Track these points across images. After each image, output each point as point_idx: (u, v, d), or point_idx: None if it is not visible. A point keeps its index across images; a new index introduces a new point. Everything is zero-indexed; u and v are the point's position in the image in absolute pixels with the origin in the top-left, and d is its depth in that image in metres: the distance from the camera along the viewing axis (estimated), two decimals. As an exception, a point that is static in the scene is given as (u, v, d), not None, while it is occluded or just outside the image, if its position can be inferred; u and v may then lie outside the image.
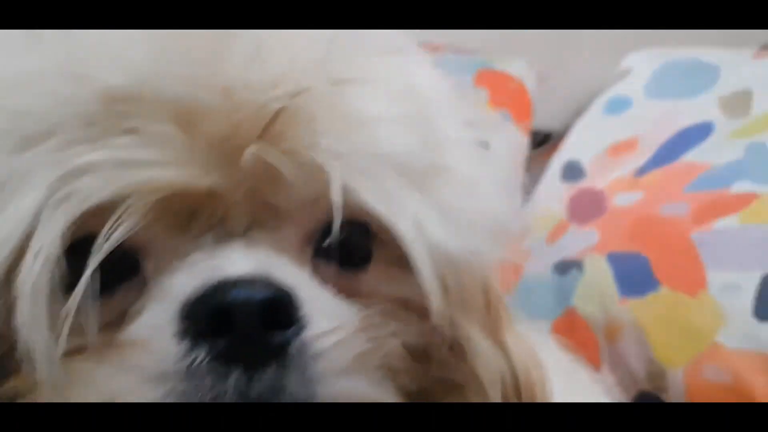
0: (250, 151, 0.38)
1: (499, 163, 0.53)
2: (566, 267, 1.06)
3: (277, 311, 0.37)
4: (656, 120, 1.15)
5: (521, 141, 1.31)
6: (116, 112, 0.37)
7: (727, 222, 0.94)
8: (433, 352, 0.45)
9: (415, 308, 0.44)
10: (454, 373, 0.46)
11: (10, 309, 0.37)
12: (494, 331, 0.48)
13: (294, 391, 0.38)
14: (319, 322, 0.39)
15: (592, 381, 0.86)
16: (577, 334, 1.00)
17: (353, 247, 0.43)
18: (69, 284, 0.38)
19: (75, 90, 0.38)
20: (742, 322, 0.88)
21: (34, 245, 0.36)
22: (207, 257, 0.39)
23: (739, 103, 1.10)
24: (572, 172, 1.19)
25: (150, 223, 0.38)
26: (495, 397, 0.47)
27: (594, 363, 0.97)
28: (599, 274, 1.01)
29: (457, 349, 0.46)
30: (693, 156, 1.06)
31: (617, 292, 0.98)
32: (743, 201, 0.95)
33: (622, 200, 1.08)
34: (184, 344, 0.37)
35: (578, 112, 1.28)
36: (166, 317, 0.38)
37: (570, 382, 0.77)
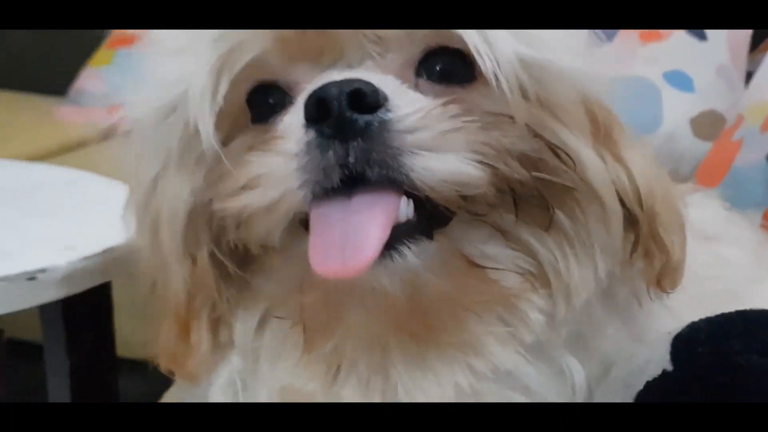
0: None
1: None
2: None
3: (362, 99, 0.47)
4: None
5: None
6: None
7: None
8: (534, 156, 0.51)
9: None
10: (564, 178, 0.52)
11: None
12: (608, 144, 0.54)
13: (381, 160, 0.47)
14: (403, 108, 0.48)
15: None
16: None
17: (452, 69, 0.52)
18: (255, 121, 0.53)
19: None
20: None
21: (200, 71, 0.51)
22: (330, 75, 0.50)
23: None
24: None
25: (286, 61, 0.51)
26: (611, 202, 0.53)
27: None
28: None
29: (562, 156, 0.51)
30: None
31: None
32: None
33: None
34: (303, 129, 0.48)
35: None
36: (298, 114, 0.49)
37: (760, 257, 0.79)
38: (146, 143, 0.54)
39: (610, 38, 1.11)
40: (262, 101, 0.52)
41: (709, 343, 0.52)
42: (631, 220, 0.55)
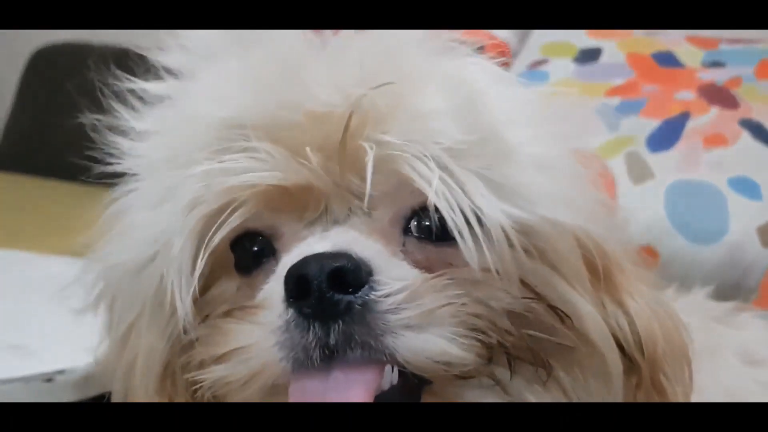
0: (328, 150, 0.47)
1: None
2: None
3: (344, 277, 0.45)
4: None
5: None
6: (229, 137, 0.49)
7: None
8: (530, 314, 0.49)
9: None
10: (561, 337, 0.50)
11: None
12: (609, 289, 0.52)
13: (364, 341, 0.45)
14: (388, 286, 0.46)
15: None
16: None
17: (442, 225, 0.49)
18: (238, 266, 0.52)
19: (198, 126, 0.51)
20: None
21: (180, 235, 0.49)
22: (315, 240, 0.49)
23: None
24: None
25: (268, 215, 0.50)
26: (610, 354, 0.51)
27: None
28: None
29: (559, 313, 0.49)
30: None
31: None
32: None
33: None
34: (284, 306, 0.47)
35: None
36: (279, 286, 0.47)
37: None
38: (121, 293, 0.53)
39: (672, 143, 1.16)
40: (246, 248, 0.51)
41: None
42: (632, 366, 0.52)
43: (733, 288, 1.07)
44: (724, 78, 1.23)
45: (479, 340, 0.47)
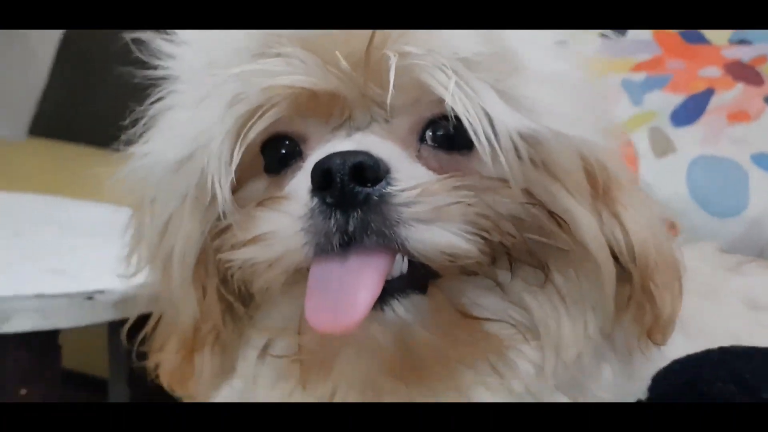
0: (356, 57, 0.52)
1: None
2: None
3: (364, 172, 0.50)
4: None
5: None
6: (264, 44, 0.54)
7: None
8: (531, 219, 0.53)
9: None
10: (559, 241, 0.54)
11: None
12: (606, 201, 0.56)
13: (378, 229, 0.50)
14: (403, 182, 0.50)
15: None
16: None
17: (454, 136, 0.54)
18: (267, 169, 0.57)
19: (237, 33, 0.55)
20: None
21: (220, 129, 0.54)
22: (339, 141, 0.53)
23: None
24: None
25: (297, 119, 0.54)
26: (604, 259, 0.55)
27: None
28: None
29: (557, 219, 0.54)
30: None
31: None
32: None
33: None
34: (309, 195, 0.51)
35: None
36: (306, 179, 0.52)
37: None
38: (161, 188, 0.58)
39: (696, 119, 1.17)
40: (275, 151, 0.56)
41: (681, 373, 0.55)
42: (625, 275, 0.56)
43: (752, 262, 1.09)
44: (751, 55, 1.23)
45: (483, 238, 0.51)
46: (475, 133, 0.51)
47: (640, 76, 1.23)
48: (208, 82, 0.54)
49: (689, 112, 1.18)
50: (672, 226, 1.17)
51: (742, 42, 1.25)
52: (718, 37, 1.26)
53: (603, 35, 1.33)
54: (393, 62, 0.50)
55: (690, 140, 1.16)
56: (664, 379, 0.55)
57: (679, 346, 0.61)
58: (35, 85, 2.50)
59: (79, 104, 2.37)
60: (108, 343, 1.03)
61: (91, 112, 2.33)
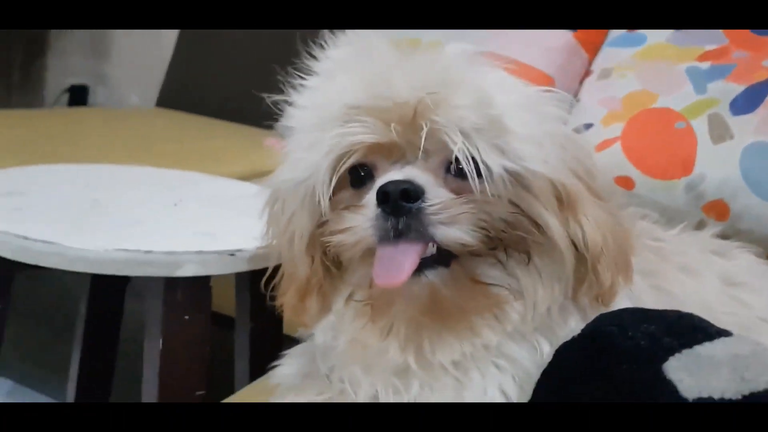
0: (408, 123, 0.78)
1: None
2: None
3: (408, 193, 0.75)
4: None
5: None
6: (350, 114, 0.79)
7: None
8: (516, 222, 0.79)
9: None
10: (536, 237, 0.80)
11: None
12: (571, 211, 0.80)
13: (417, 229, 0.76)
14: (433, 200, 0.76)
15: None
16: None
17: (465, 171, 0.78)
18: (352, 184, 0.82)
19: (333, 107, 0.81)
20: None
21: (323, 165, 0.81)
22: (394, 173, 0.79)
23: None
24: None
25: (370, 156, 0.80)
26: (566, 249, 0.80)
27: None
28: None
29: (535, 222, 0.79)
30: None
31: None
32: None
33: None
34: (374, 206, 0.77)
35: None
36: (373, 196, 0.77)
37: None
38: (288, 197, 0.84)
39: (755, 108, 1.21)
40: (357, 174, 0.82)
41: (602, 327, 0.75)
42: (582, 259, 0.80)
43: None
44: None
45: (484, 234, 0.78)
46: (469, 173, 0.76)
47: (705, 65, 1.29)
48: (317, 136, 0.81)
49: (748, 100, 1.22)
50: (723, 207, 1.23)
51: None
52: (786, 28, 1.26)
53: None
54: (425, 129, 0.77)
55: (746, 127, 1.20)
56: (592, 325, 0.79)
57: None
58: (163, 59, 2.67)
59: (199, 78, 2.52)
60: (236, 288, 1.25)
61: (208, 85, 2.48)
